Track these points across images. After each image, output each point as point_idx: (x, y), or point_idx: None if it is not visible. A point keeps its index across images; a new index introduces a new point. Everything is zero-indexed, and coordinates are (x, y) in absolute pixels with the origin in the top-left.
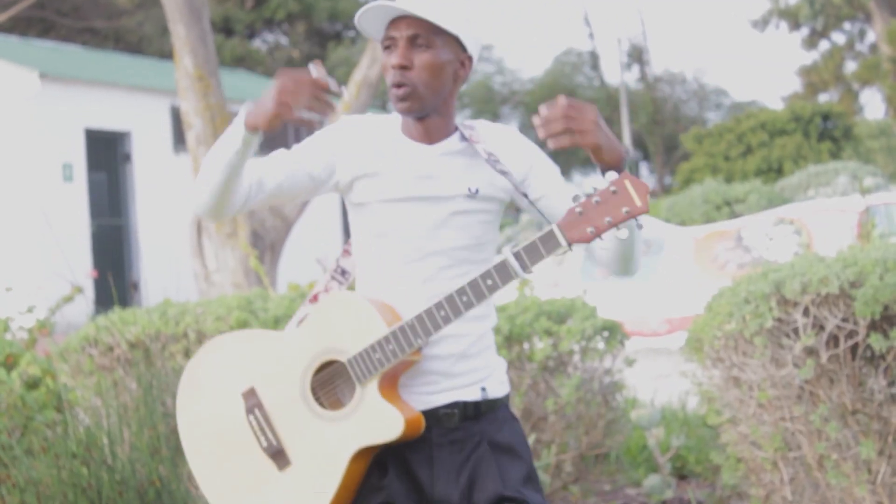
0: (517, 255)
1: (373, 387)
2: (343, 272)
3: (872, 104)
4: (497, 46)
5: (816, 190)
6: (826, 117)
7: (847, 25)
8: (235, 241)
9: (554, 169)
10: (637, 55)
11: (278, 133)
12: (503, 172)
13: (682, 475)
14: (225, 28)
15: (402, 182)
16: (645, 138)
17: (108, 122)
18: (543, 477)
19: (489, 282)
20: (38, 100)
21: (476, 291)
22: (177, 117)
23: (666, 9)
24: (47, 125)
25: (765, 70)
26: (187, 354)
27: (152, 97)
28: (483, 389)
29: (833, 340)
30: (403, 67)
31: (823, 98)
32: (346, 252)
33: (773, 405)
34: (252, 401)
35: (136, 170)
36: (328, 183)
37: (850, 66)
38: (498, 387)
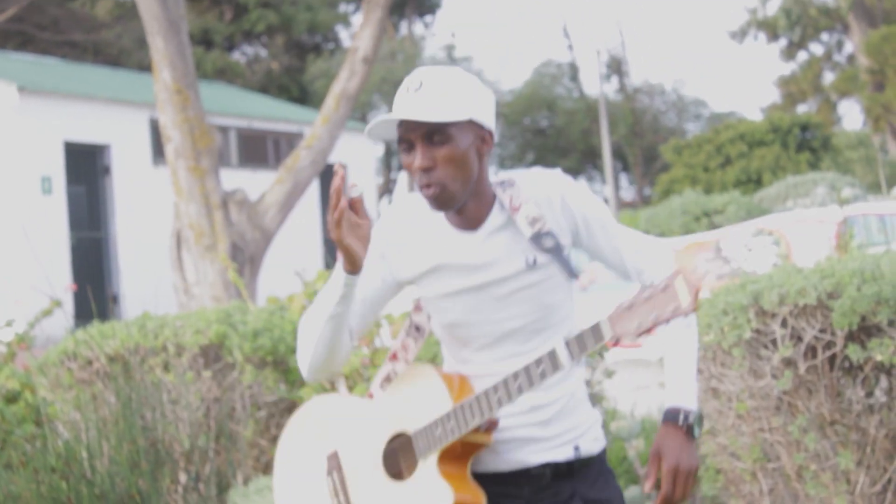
0: (568, 345)
1: (432, 461)
2: (417, 328)
3: (851, 115)
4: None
5: (795, 201)
6: (804, 128)
7: (825, 36)
8: (215, 253)
9: (609, 224)
10: (616, 66)
11: (259, 146)
12: (548, 251)
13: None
14: (204, 40)
15: (457, 276)
16: (624, 149)
17: (87, 134)
18: None
19: (541, 368)
20: (16, 113)
21: (529, 377)
22: (156, 130)
23: (645, 20)
24: (26, 138)
25: (743, 81)
26: (166, 368)
27: (131, 110)
28: (576, 448)
29: (811, 351)
30: (428, 169)
31: (802, 109)
32: (418, 308)
33: (752, 416)
34: (333, 463)
35: (116, 182)
36: (399, 284)
37: (829, 77)
38: (591, 444)
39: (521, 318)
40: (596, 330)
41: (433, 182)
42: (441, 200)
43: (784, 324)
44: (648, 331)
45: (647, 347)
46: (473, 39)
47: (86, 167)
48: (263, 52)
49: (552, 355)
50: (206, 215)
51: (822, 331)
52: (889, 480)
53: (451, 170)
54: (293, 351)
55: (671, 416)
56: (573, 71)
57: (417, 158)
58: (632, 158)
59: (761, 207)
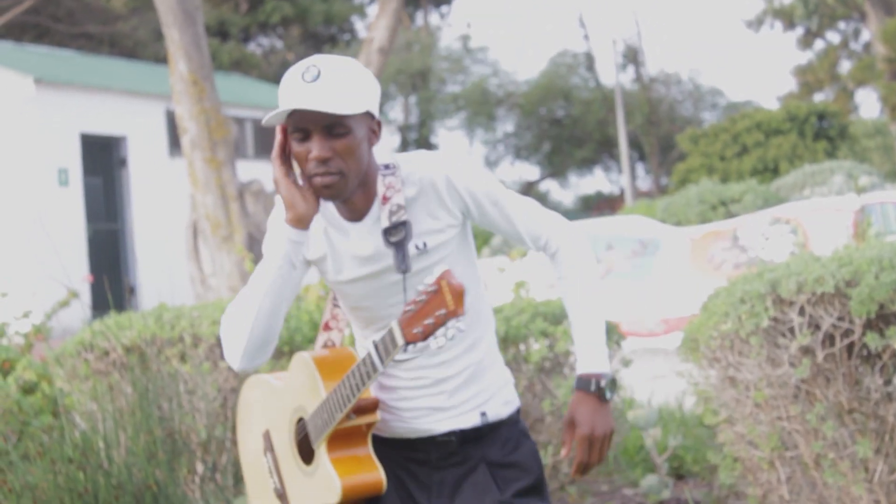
0: (376, 347)
1: (322, 449)
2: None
3: (868, 103)
4: (492, 48)
5: (812, 189)
6: (821, 117)
7: (842, 25)
8: (231, 244)
9: (499, 196)
10: (632, 56)
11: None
12: (392, 244)
13: (679, 475)
14: (220, 32)
15: (351, 264)
16: (641, 139)
17: (103, 126)
18: None
19: (365, 370)
20: (33, 105)
21: (354, 383)
22: (172, 121)
23: (661, 9)
24: (43, 130)
25: (760, 70)
26: (183, 358)
27: (147, 102)
28: (483, 414)
29: (829, 339)
30: (326, 160)
31: (818, 98)
32: (329, 326)
33: (770, 405)
34: (267, 442)
35: (132, 174)
36: (308, 263)
37: (845, 66)
38: (500, 408)
39: None
40: (390, 335)
41: (331, 171)
42: (335, 190)
43: (802, 312)
44: (427, 334)
45: (664, 337)
46: (489, 30)
47: (102, 159)
48: (279, 44)
49: (366, 360)
50: (223, 206)
51: (840, 319)
52: None
53: (349, 161)
54: (309, 340)
55: (582, 384)
56: (589, 61)
57: (315, 148)
58: (648, 148)
59: (778, 196)
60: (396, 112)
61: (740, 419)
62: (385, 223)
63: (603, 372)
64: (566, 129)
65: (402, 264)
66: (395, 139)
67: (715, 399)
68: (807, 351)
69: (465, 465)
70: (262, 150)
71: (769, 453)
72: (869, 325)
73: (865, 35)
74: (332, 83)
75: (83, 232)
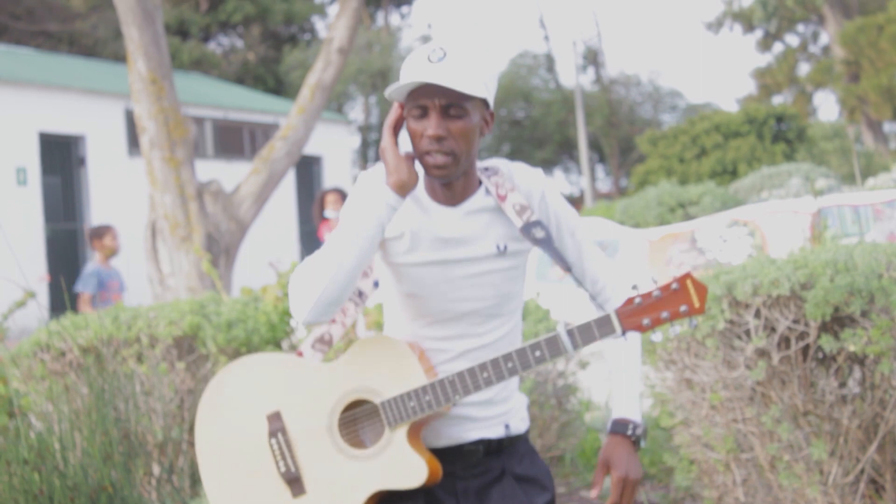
0: (570, 333)
1: (402, 433)
2: (360, 293)
3: (826, 106)
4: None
5: (769, 192)
6: (780, 119)
7: (800, 28)
8: (190, 244)
9: (578, 231)
10: (592, 57)
11: (235, 137)
12: (536, 241)
13: None
14: (180, 31)
15: (429, 247)
16: (600, 140)
17: (61, 125)
18: None
19: (537, 353)
20: None
21: (523, 361)
22: (131, 121)
23: (621, 11)
24: (0, 129)
25: (719, 72)
26: (140, 359)
27: (106, 101)
28: (506, 426)
29: (784, 342)
30: (440, 138)
31: (777, 100)
32: (364, 274)
33: (726, 407)
34: (276, 424)
35: (91, 173)
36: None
37: (804, 69)
38: (520, 423)
39: (481, 301)
40: (605, 322)
41: (444, 151)
42: (445, 170)
43: (757, 314)
44: (655, 327)
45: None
46: (450, 30)
47: (61, 158)
48: (239, 43)
49: (553, 341)
50: (182, 206)
51: (796, 321)
52: (862, 471)
53: (462, 144)
54: (267, 342)
55: (620, 427)
56: (549, 62)
57: (432, 126)
58: (608, 149)
59: (736, 198)
60: (357, 112)
61: (696, 421)
62: (517, 221)
63: (639, 421)
64: (526, 130)
65: (560, 257)
66: (356, 139)
67: (671, 401)
68: (762, 353)
69: (488, 475)
70: (222, 149)
71: (725, 455)
72: (824, 328)
73: (824, 38)
74: (457, 65)
75: (41, 231)
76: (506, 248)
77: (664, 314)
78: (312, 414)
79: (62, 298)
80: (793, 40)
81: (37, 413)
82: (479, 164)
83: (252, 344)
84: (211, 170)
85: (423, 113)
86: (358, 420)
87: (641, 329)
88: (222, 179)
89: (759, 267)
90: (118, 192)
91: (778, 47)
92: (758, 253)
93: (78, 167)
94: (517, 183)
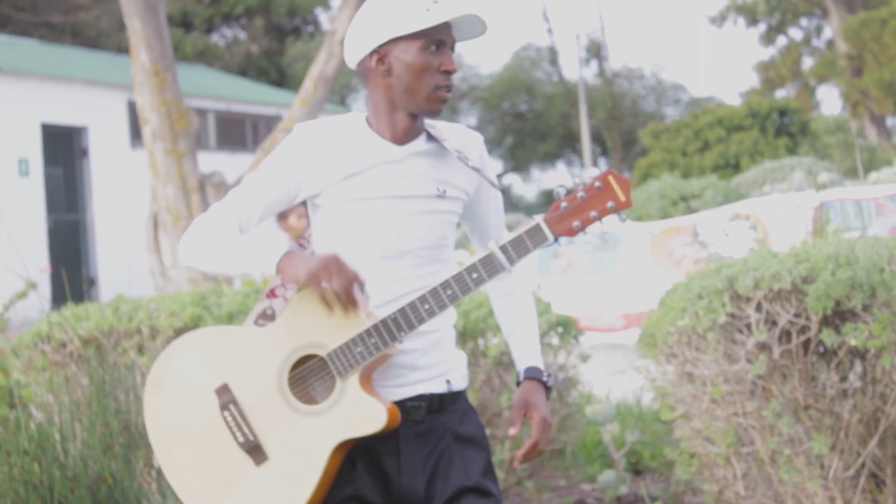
0: (503, 249)
1: (354, 380)
2: None
3: (829, 100)
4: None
5: (772, 185)
6: (783, 113)
7: (804, 21)
8: None
9: (496, 196)
10: (595, 51)
11: (237, 129)
12: (475, 169)
13: (637, 470)
14: (184, 23)
15: (375, 181)
16: (603, 134)
17: (64, 116)
18: (498, 472)
19: (475, 275)
20: None
21: (461, 285)
22: (134, 112)
23: (624, 4)
24: (3, 120)
25: (722, 66)
26: (141, 350)
27: (109, 92)
28: (448, 382)
29: (785, 336)
30: (452, 74)
31: (780, 94)
32: (302, 245)
33: (726, 400)
34: (226, 397)
35: (93, 165)
36: (299, 196)
37: (807, 62)
38: (461, 379)
39: (420, 241)
40: (536, 231)
41: (450, 86)
42: (446, 103)
43: (759, 308)
44: (585, 227)
45: (624, 332)
46: None
47: (63, 149)
48: (243, 35)
49: (488, 260)
50: (184, 198)
51: (797, 315)
52: (862, 465)
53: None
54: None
55: (535, 373)
56: (552, 55)
57: (449, 61)
58: (611, 143)
59: (738, 192)
60: (360, 104)
61: (697, 415)
62: (455, 154)
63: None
64: (529, 123)
65: (492, 180)
66: None
67: (672, 395)
68: (763, 347)
69: (431, 437)
70: (225, 141)
71: (725, 449)
72: (825, 322)
73: (827, 32)
74: (459, 3)
75: (43, 223)
76: (445, 191)
77: (592, 213)
78: (260, 379)
79: (65, 290)
80: (796, 34)
81: (37, 404)
82: None
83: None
84: (213, 161)
85: (438, 47)
86: (306, 377)
87: (572, 232)
88: (225, 171)
89: (760, 260)
90: (120, 183)
91: (781, 41)
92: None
93: (80, 158)
94: (455, 138)
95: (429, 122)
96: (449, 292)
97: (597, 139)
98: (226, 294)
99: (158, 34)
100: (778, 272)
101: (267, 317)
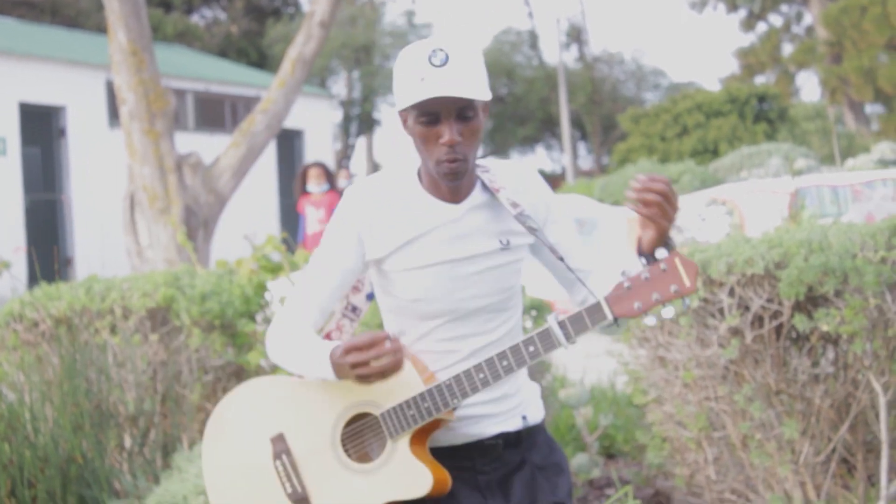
0: (562, 325)
1: (404, 442)
2: (354, 309)
3: (808, 87)
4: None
5: (749, 171)
6: (762, 99)
7: (784, 8)
8: (168, 217)
9: (568, 219)
10: (576, 35)
11: (216, 110)
12: (532, 230)
13: (609, 454)
14: (163, 3)
15: (438, 247)
16: (583, 118)
17: (42, 96)
18: None
19: (531, 348)
20: None
21: (517, 357)
22: (112, 92)
23: None
24: None
25: (702, 51)
26: (113, 330)
27: (88, 72)
28: (524, 418)
29: (758, 321)
30: (456, 143)
31: (760, 80)
32: (356, 289)
33: (698, 385)
34: (280, 446)
35: (71, 144)
36: (364, 267)
37: (787, 49)
38: (536, 413)
39: (488, 297)
40: (596, 310)
41: (458, 157)
42: (460, 174)
43: (731, 293)
44: (647, 310)
45: None
46: (433, 5)
47: (41, 129)
48: (223, 16)
49: (546, 335)
50: (160, 178)
51: (770, 300)
52: (833, 450)
53: (472, 144)
54: (241, 315)
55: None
56: (533, 39)
57: (448, 133)
58: (590, 127)
59: (715, 177)
60: (339, 87)
61: (669, 399)
62: (512, 210)
63: None
64: (509, 107)
65: (551, 245)
66: (338, 114)
67: (644, 379)
68: (736, 332)
69: (508, 467)
70: (203, 122)
71: (697, 433)
72: (797, 307)
73: (807, 18)
74: (463, 66)
75: (20, 202)
76: (508, 242)
77: (655, 296)
78: (315, 432)
79: (42, 269)
80: (776, 20)
81: (8, 383)
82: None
83: (226, 316)
84: (192, 142)
85: (434, 120)
86: (364, 433)
87: (633, 314)
88: (203, 152)
89: (733, 246)
90: (98, 163)
91: (761, 27)
92: (736, 232)
93: (58, 138)
94: (508, 180)
95: (482, 166)
96: (504, 363)
97: (576, 123)
98: (199, 275)
99: (136, 13)
100: (751, 257)
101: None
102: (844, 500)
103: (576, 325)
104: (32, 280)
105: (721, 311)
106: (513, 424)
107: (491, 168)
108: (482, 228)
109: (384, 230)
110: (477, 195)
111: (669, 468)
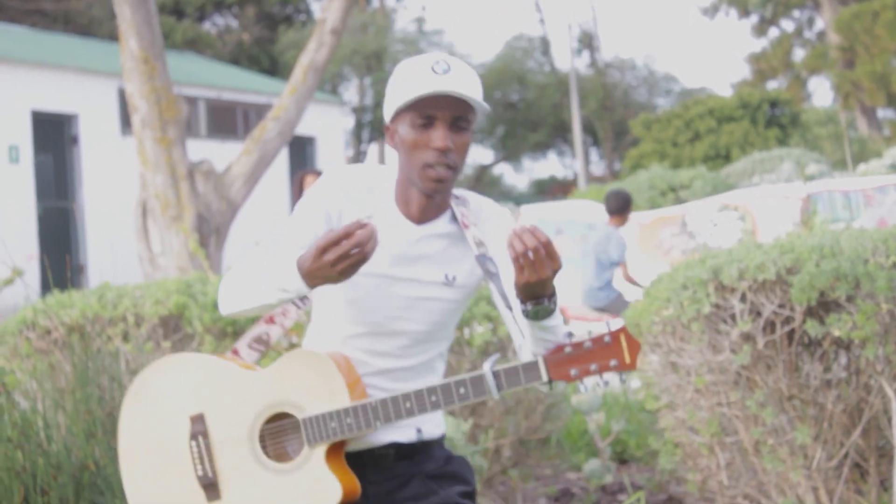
0: (496, 375)
1: (320, 452)
2: (303, 298)
3: (820, 92)
4: (448, 31)
5: (761, 176)
6: (774, 104)
7: (796, 13)
8: (180, 224)
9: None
10: (587, 41)
11: (228, 117)
12: (490, 274)
13: (622, 460)
14: (175, 10)
15: (382, 259)
16: (595, 124)
17: (55, 104)
18: (482, 461)
19: (462, 391)
20: None
21: (446, 396)
22: (124, 100)
23: None
24: None
25: (714, 57)
26: (125, 338)
27: (100, 79)
28: (418, 430)
29: (770, 326)
30: (447, 151)
31: (772, 85)
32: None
33: (710, 390)
34: (198, 427)
35: (84, 152)
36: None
37: (799, 54)
38: (434, 428)
39: (416, 325)
40: (532, 368)
41: (448, 164)
42: (445, 185)
43: (743, 299)
44: (582, 377)
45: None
46: (444, 12)
47: (54, 136)
48: (234, 23)
49: (478, 381)
50: (173, 186)
51: (781, 306)
52: (846, 455)
53: (461, 157)
54: (252, 322)
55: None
56: (544, 45)
57: (440, 138)
58: (602, 133)
59: (727, 183)
60: (351, 93)
61: (681, 404)
62: (475, 249)
63: None
64: (520, 112)
65: (504, 295)
66: (349, 120)
67: (656, 384)
68: (748, 337)
69: (399, 478)
70: (215, 129)
71: (709, 439)
72: (809, 313)
73: (819, 24)
74: (463, 77)
75: (33, 210)
76: (454, 279)
77: (593, 366)
78: (235, 422)
79: (55, 277)
80: (788, 25)
81: (22, 391)
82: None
83: (238, 324)
84: (204, 150)
85: (429, 123)
86: (285, 432)
87: (568, 379)
88: (215, 159)
89: (745, 251)
90: (111, 170)
91: (773, 32)
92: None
93: (70, 146)
94: (482, 218)
95: (460, 198)
96: (433, 398)
97: (588, 129)
98: (211, 282)
99: (148, 21)
100: (763, 263)
101: (262, 342)
102: None
103: (510, 379)
104: (45, 288)
105: (733, 316)
106: (405, 436)
107: (469, 202)
108: (432, 257)
109: (348, 220)
110: (441, 224)
111: (682, 473)
